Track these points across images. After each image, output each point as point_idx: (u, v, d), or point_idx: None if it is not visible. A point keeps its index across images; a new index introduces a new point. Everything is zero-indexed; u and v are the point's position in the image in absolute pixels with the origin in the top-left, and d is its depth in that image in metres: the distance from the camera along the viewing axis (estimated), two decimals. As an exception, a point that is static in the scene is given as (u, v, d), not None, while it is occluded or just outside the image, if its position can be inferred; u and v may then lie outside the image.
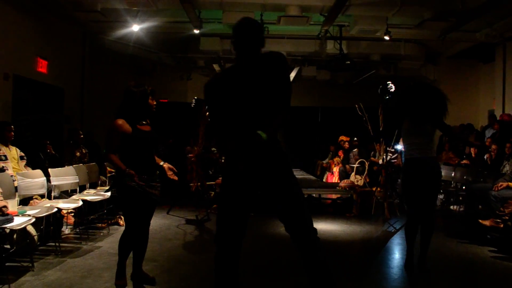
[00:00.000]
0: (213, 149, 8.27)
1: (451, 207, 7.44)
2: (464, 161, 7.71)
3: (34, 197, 4.88)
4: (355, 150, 9.54)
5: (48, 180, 5.06)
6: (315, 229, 2.46)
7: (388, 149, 7.33)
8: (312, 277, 2.40)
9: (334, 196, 8.12)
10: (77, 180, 5.54)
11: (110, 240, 4.96)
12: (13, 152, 5.27)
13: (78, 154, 6.79)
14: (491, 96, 10.11)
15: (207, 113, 2.98)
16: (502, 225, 4.78)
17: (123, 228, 3.67)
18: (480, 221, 4.96)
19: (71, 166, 5.72)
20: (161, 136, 3.81)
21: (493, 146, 6.94)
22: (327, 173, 10.07)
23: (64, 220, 5.36)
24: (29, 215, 3.99)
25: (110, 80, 10.13)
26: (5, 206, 3.83)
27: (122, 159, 3.27)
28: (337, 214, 6.92)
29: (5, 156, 5.12)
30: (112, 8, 7.66)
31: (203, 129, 6.57)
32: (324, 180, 9.72)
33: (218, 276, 2.47)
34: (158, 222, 5.97)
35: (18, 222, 3.76)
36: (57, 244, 4.51)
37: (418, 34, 9.16)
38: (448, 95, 3.92)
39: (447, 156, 8.13)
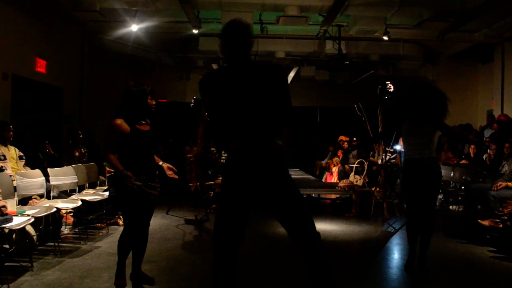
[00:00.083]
0: (212, 149, 8.26)
1: (450, 207, 7.45)
2: (463, 161, 7.72)
3: (33, 197, 4.87)
4: (354, 151, 9.55)
5: (47, 180, 5.05)
6: (318, 234, 2.45)
7: (387, 149, 7.34)
8: (314, 278, 2.40)
9: (333, 196, 8.12)
10: (76, 180, 5.53)
11: (109, 240, 4.96)
12: (12, 152, 5.26)
13: (77, 154, 6.78)
14: (490, 96, 10.13)
15: (206, 112, 2.97)
16: (501, 225, 4.79)
17: (122, 228, 3.67)
18: (479, 221, 4.97)
19: (70, 166, 5.71)
20: (160, 136, 3.81)
21: (492, 146, 6.95)
22: (326, 173, 10.07)
23: (63, 220, 5.35)
24: (28, 215, 3.98)
25: (109, 80, 10.13)
26: (4, 206, 3.82)
27: (120, 159, 3.27)
28: (336, 214, 6.92)
29: (4, 156, 5.11)
30: (111, 8, 7.66)
31: (202, 129, 6.57)
32: (323, 180, 9.71)
33: (216, 281, 2.46)
34: (158, 222, 5.97)
35: (17, 222, 3.76)
36: (56, 244, 4.51)
37: (417, 34, 9.17)
38: (447, 95, 3.92)
39: (446, 156, 8.14)
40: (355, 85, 12.37)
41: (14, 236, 4.05)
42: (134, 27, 8.22)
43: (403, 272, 3.97)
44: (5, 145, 5.21)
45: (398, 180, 7.46)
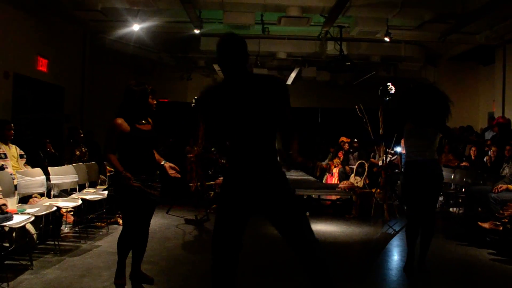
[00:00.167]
0: (213, 149, 8.26)
1: (451, 209, 7.44)
2: (464, 163, 7.71)
3: (33, 196, 4.87)
4: (355, 153, 9.54)
5: (48, 179, 5.05)
6: (316, 241, 2.44)
7: (388, 150, 7.33)
8: (314, 284, 2.40)
9: (333, 197, 8.11)
10: (77, 179, 5.54)
11: (109, 239, 4.96)
12: (13, 150, 5.27)
13: (78, 153, 6.78)
14: (491, 98, 10.12)
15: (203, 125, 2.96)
16: (501, 228, 4.78)
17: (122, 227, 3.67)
18: (480, 223, 4.97)
19: (70, 165, 5.71)
20: (161, 136, 3.80)
21: (493, 148, 6.94)
22: (327, 174, 10.06)
23: (64, 219, 5.36)
24: (28, 214, 3.98)
25: (110, 79, 10.13)
26: (4, 204, 3.82)
27: (121, 158, 3.26)
28: (336, 215, 6.92)
29: (4, 154, 5.11)
30: (113, 7, 7.66)
31: (203, 130, 6.57)
32: (323, 181, 9.70)
33: (215, 286, 2.46)
34: (158, 221, 5.97)
35: (17, 220, 3.76)
36: (56, 242, 4.51)
37: (418, 36, 9.17)
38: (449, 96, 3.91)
39: (446, 158, 8.13)
40: (356, 86, 12.36)
41: (14, 234, 4.06)
42: (136, 27, 8.23)
43: (403, 273, 3.97)
44: (6, 144, 5.21)
45: (399, 182, 7.46)
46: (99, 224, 5.66)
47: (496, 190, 5.30)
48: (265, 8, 7.78)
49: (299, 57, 10.48)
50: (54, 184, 5.17)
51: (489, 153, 7.15)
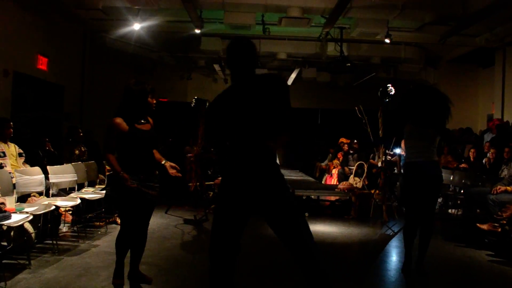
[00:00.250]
0: (212, 149, 8.25)
1: (449, 210, 7.45)
2: (463, 165, 7.72)
3: (32, 195, 4.86)
4: (355, 154, 9.55)
5: (47, 178, 5.04)
6: (315, 244, 2.44)
7: (387, 151, 7.33)
8: (310, 283, 2.39)
9: (332, 198, 8.11)
10: (76, 178, 5.53)
11: (108, 238, 4.95)
12: (12, 149, 5.26)
13: (77, 152, 6.78)
14: (490, 101, 10.14)
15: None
16: (499, 229, 4.79)
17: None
18: (478, 225, 4.97)
19: (69, 164, 5.71)
20: (160, 136, 3.79)
21: (492, 150, 6.95)
22: (326, 175, 10.06)
23: (62, 218, 5.35)
24: (26, 213, 3.97)
25: (110, 79, 10.13)
26: (2, 203, 3.82)
27: (119, 158, 3.25)
28: (335, 216, 6.92)
29: (3, 152, 5.10)
30: (113, 6, 7.66)
31: (203, 129, 6.56)
32: (323, 182, 9.70)
33: (213, 287, 2.46)
34: (156, 221, 5.96)
35: (15, 219, 3.76)
36: (54, 242, 4.50)
37: (419, 38, 9.19)
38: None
39: (445, 160, 8.13)
40: (356, 87, 12.38)
41: (12, 233, 4.05)
42: (136, 26, 8.23)
43: (401, 275, 3.97)
44: (5, 142, 5.20)
45: (398, 183, 7.47)
46: (98, 223, 5.65)
47: (495, 192, 5.31)
48: (266, 8, 7.78)
49: (300, 58, 10.49)
50: (53, 183, 5.16)
51: (488, 155, 7.16)
